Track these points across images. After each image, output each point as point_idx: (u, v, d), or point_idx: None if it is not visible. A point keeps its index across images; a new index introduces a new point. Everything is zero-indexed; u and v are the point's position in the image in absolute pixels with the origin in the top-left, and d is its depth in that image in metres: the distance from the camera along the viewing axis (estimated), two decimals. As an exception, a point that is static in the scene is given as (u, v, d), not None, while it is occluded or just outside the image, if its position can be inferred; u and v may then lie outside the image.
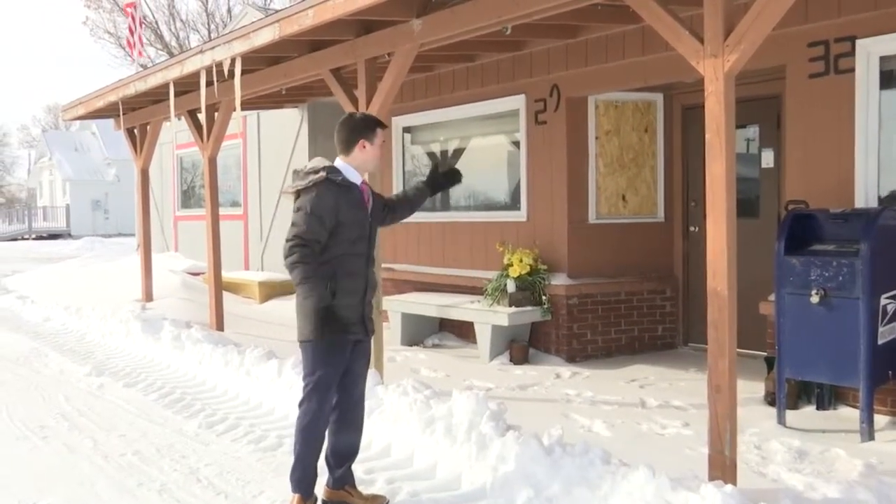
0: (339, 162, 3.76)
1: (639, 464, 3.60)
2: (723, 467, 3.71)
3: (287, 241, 3.58)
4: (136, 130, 10.81)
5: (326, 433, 3.76)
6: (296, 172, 3.76)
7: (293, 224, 3.60)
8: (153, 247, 11.38)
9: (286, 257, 3.59)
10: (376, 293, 3.94)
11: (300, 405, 3.69)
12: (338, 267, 3.62)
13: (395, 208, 4.06)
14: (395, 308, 8.09)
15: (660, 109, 7.50)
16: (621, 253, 7.36)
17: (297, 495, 3.69)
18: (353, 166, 3.76)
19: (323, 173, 3.62)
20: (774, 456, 4.43)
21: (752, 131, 6.99)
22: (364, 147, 3.75)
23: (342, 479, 3.85)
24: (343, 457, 3.83)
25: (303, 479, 3.69)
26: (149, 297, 10.42)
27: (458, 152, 8.78)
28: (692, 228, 7.48)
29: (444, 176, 4.16)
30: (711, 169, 3.77)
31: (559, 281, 7.12)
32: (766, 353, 5.74)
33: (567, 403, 5.67)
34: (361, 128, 3.78)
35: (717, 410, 3.74)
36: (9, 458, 4.79)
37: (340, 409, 3.78)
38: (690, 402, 5.56)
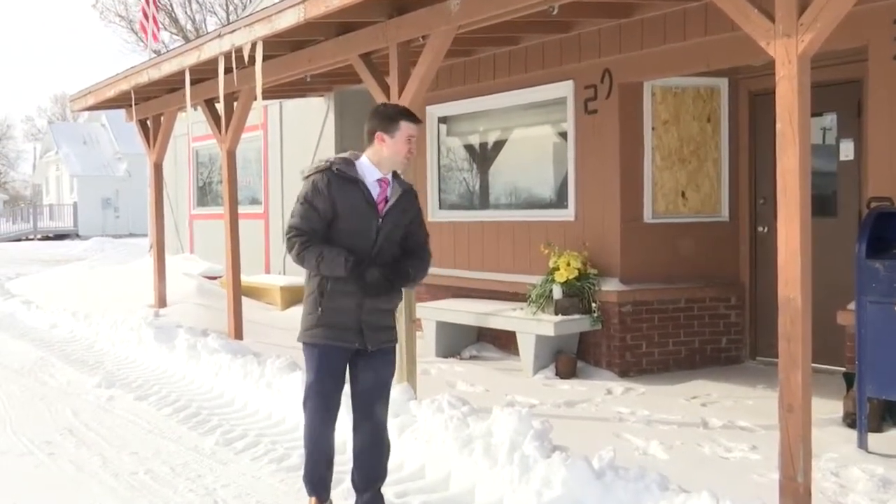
0: (363, 156, 3.85)
1: (701, 490, 3.57)
2: (795, 496, 3.66)
3: (286, 234, 3.78)
4: (149, 122, 10.99)
5: (351, 453, 3.93)
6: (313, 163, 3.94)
7: (291, 215, 3.81)
8: (167, 248, 11.55)
9: (289, 251, 3.77)
10: (395, 302, 3.90)
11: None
12: None
13: (406, 254, 3.92)
14: (429, 316, 8.11)
15: (724, 96, 7.43)
16: (680, 256, 7.29)
17: (312, 498, 3.91)
18: (373, 161, 3.82)
19: (327, 163, 3.78)
20: (855, 485, 4.36)
21: (829, 120, 6.90)
22: (382, 140, 3.79)
23: (375, 498, 3.91)
24: (367, 479, 3.89)
25: (315, 483, 3.90)
26: (162, 302, 10.58)
27: (499, 145, 8.79)
28: (761, 229, 7.40)
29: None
30: (783, 162, 3.72)
31: (611, 287, 7.08)
32: (844, 369, 5.65)
33: (620, 422, 5.64)
34: (381, 119, 3.83)
35: (790, 432, 3.69)
36: (13, 476, 4.89)
37: (359, 430, 3.90)
38: (758, 422, 5.49)
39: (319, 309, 3.74)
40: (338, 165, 3.77)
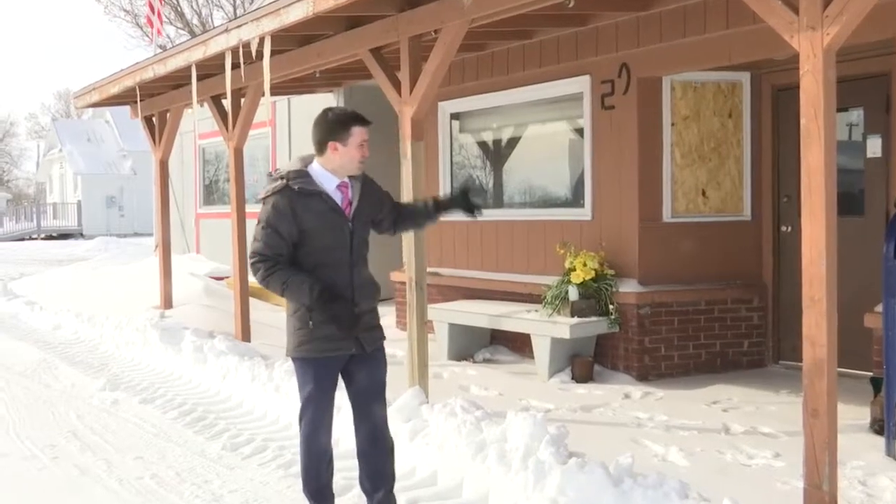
0: (315, 164, 3.85)
1: (722, 498, 3.56)
2: (820, 504, 3.64)
3: (249, 258, 3.79)
4: (154, 118, 11.03)
5: (357, 457, 3.98)
6: (269, 175, 3.90)
7: (254, 238, 3.79)
8: (173, 248, 11.59)
9: (255, 276, 3.80)
10: (376, 298, 3.97)
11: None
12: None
13: (402, 216, 4.14)
14: (441, 318, 8.11)
15: (746, 91, 7.39)
16: (701, 256, 7.27)
17: None
18: (328, 169, 3.83)
19: (282, 182, 3.76)
20: (883, 493, 4.33)
21: (856, 115, 6.86)
22: (336, 149, 3.80)
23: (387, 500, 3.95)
24: (374, 480, 3.94)
25: (318, 493, 3.92)
26: (168, 303, 10.63)
27: (513, 142, 8.78)
28: (784, 228, 7.37)
29: (463, 199, 4.14)
30: (807, 159, 3.70)
31: (629, 288, 7.06)
32: (871, 373, 5.62)
33: (638, 428, 5.63)
34: (331, 128, 3.81)
35: (814, 439, 3.67)
36: (15, 480, 4.93)
37: (360, 431, 3.95)
38: (782, 428, 5.47)
39: (311, 323, 3.74)
40: (295, 182, 3.75)
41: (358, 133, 3.81)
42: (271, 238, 3.73)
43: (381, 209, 4.03)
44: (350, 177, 3.89)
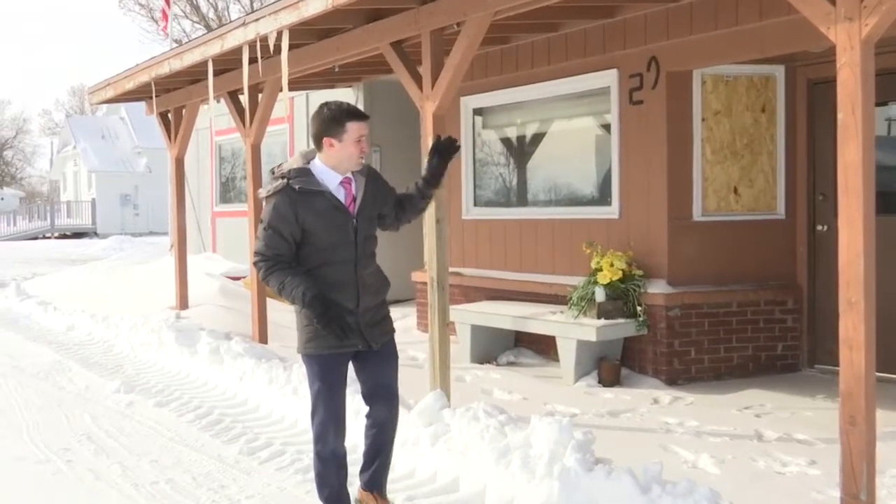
0: (317, 160, 3.91)
1: (755, 508, 3.54)
2: (858, 514, 3.61)
3: (252, 257, 3.94)
4: (170, 115, 11.11)
5: (362, 440, 4.18)
6: (271, 172, 3.95)
7: (257, 237, 3.90)
8: (188, 247, 11.68)
9: (258, 274, 3.94)
10: (384, 292, 4.07)
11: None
12: (318, 279, 3.80)
13: (402, 207, 4.17)
14: (463, 319, 8.12)
15: (780, 85, 7.35)
16: (733, 256, 7.23)
17: None
18: (329, 165, 3.88)
19: (283, 181, 3.81)
20: (922, 502, 4.29)
21: (895, 110, 6.79)
22: (332, 145, 3.84)
23: (370, 483, 4.14)
24: (370, 454, 4.13)
25: (332, 497, 4.02)
26: (184, 304, 10.70)
27: (538, 138, 8.77)
28: (820, 227, 7.32)
29: (440, 156, 4.12)
30: (844, 155, 3.67)
31: (657, 289, 7.04)
32: (911, 378, 5.56)
33: (667, 434, 5.61)
34: (326, 122, 3.85)
35: (852, 446, 3.64)
36: (30, 484, 4.98)
37: (369, 432, 4.13)
38: (817, 435, 5.44)
39: (315, 321, 3.81)
40: (296, 182, 3.80)
41: (354, 129, 3.84)
42: (272, 239, 3.80)
43: (385, 204, 4.07)
44: (354, 171, 3.92)
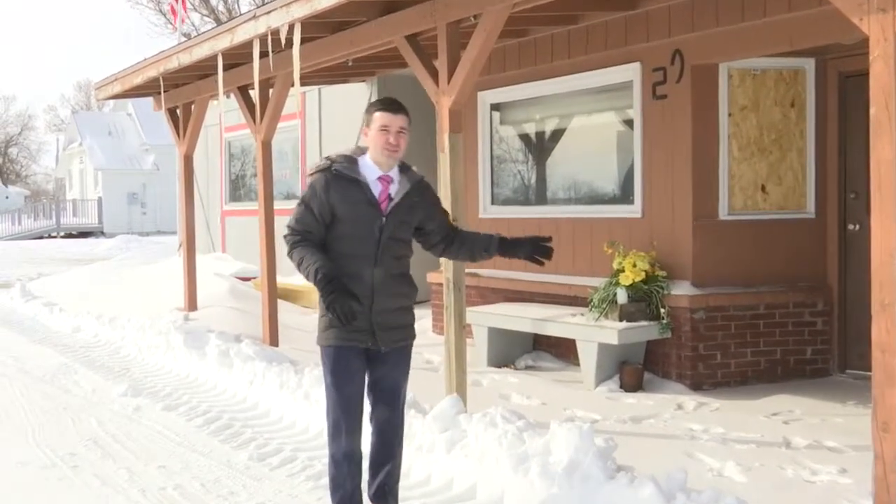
0: (366, 153, 4.11)
1: (783, 518, 3.52)
2: (891, 525, 3.59)
3: (284, 230, 4.10)
4: (178, 111, 11.17)
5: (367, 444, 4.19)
6: (326, 158, 4.18)
7: (292, 213, 4.11)
8: (197, 247, 11.73)
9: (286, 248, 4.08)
10: (405, 301, 4.15)
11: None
12: (338, 267, 3.92)
13: (459, 239, 4.30)
14: (480, 322, 8.12)
15: (810, 79, 7.32)
16: (760, 256, 7.20)
17: None
18: (372, 159, 4.06)
19: (328, 162, 4.03)
20: (958, 513, 4.25)
21: (930, 104, 6.74)
22: (365, 134, 4.08)
23: (377, 495, 4.15)
24: (374, 462, 4.16)
25: (341, 502, 4.07)
26: (192, 305, 10.75)
27: (558, 134, 8.76)
28: (851, 227, 7.28)
29: (532, 248, 4.30)
30: (877, 152, 3.65)
31: (682, 290, 7.02)
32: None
33: (691, 441, 5.59)
34: (365, 113, 4.13)
35: (885, 454, 3.62)
36: (35, 490, 5.02)
37: (372, 435, 4.17)
38: (848, 442, 5.41)
39: (338, 277, 3.93)
40: (338, 165, 3.99)
41: (379, 118, 4.00)
42: (303, 215, 3.99)
43: (429, 220, 4.14)
44: (404, 174, 4.04)
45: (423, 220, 4.13)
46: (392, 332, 4.03)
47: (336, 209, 3.93)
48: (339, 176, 3.95)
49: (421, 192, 4.08)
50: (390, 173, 4.02)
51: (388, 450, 4.15)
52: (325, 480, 4.88)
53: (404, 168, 4.08)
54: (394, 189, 4.00)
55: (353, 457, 4.04)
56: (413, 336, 4.17)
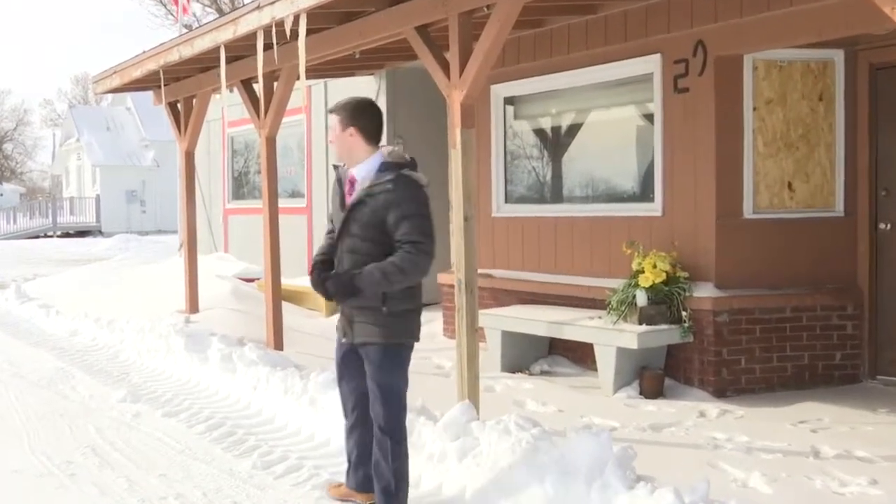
0: None
1: (811, 530, 3.51)
2: (924, 539, 3.57)
3: None
4: (179, 105, 11.21)
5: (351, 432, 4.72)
6: None
7: None
8: (199, 247, 11.77)
9: None
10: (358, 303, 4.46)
11: None
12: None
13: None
14: (493, 325, 8.12)
15: (840, 70, 7.30)
16: (787, 257, 7.19)
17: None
18: None
19: (341, 162, 4.63)
20: None
21: (966, 98, 6.72)
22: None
23: (354, 481, 4.69)
24: (358, 456, 4.65)
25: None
26: (194, 307, 10.79)
27: (574, 129, 8.75)
28: (882, 226, 7.26)
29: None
30: (910, 147, 3.63)
31: (704, 292, 7.01)
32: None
33: (714, 450, 5.58)
34: None
35: (917, 464, 3.60)
36: (30, 499, 5.04)
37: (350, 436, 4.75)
38: (879, 452, 5.39)
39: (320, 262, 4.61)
40: (337, 162, 4.62)
41: (331, 119, 4.57)
42: (330, 210, 4.65)
43: (385, 221, 4.30)
44: (380, 173, 4.36)
45: (384, 227, 4.31)
46: (358, 327, 4.41)
47: (331, 206, 4.63)
48: (337, 172, 4.60)
49: (372, 195, 4.31)
50: (357, 173, 4.44)
51: (374, 456, 4.45)
52: (325, 489, 4.94)
53: (383, 168, 4.36)
54: (357, 188, 4.41)
55: (349, 455, 4.70)
56: (380, 341, 4.35)
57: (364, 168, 4.41)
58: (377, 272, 4.25)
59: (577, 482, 4.24)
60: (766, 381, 7.12)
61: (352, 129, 4.42)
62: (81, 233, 41.81)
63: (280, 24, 6.95)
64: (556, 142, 8.98)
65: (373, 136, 4.46)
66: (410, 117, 11.36)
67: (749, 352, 7.07)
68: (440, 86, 6.30)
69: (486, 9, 5.92)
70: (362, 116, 4.45)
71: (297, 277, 12.36)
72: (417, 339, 4.50)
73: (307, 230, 13.11)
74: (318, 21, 7.20)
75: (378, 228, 4.29)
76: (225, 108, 13.17)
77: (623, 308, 7.17)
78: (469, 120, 6.04)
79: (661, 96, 7.48)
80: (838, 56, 7.28)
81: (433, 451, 5.09)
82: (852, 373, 7.32)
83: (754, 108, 7.16)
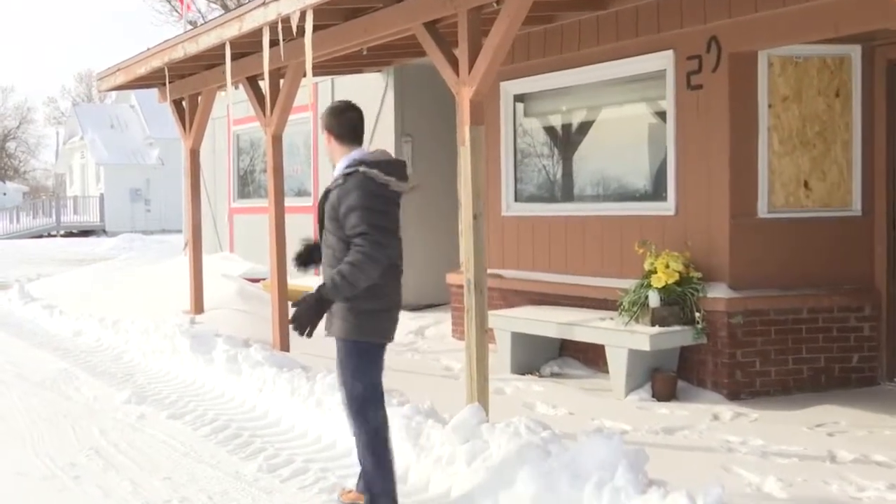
0: None
1: (827, 536, 3.50)
2: (944, 545, 3.56)
3: None
4: (184, 102, 11.23)
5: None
6: None
7: None
8: (204, 246, 11.79)
9: None
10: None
11: None
12: None
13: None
14: (502, 326, 8.12)
15: (857, 67, 7.28)
16: (803, 257, 7.17)
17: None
18: None
19: None
20: None
21: None
22: None
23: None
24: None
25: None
26: (199, 308, 10.80)
27: (585, 126, 8.75)
28: (900, 225, 7.24)
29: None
30: (930, 145, 3.62)
31: (718, 293, 6.99)
32: None
33: (728, 453, 5.58)
34: None
35: (937, 468, 3.58)
36: (33, 502, 5.06)
37: None
38: (897, 456, 5.38)
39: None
40: None
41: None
42: None
43: (339, 222, 4.50)
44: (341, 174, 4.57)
45: (333, 217, 4.53)
46: (333, 321, 4.55)
47: None
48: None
49: (331, 190, 4.57)
50: (335, 173, 4.61)
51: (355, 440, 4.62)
52: (337, 493, 4.94)
53: (350, 166, 4.54)
54: (331, 186, 4.58)
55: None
56: (341, 335, 4.52)
57: (337, 168, 4.64)
58: (336, 276, 4.40)
59: (589, 486, 4.24)
60: (781, 383, 7.11)
61: (327, 133, 4.72)
62: (85, 232, 41.94)
63: (286, 20, 6.96)
64: (566, 140, 8.97)
65: (345, 138, 4.67)
66: (419, 114, 11.37)
67: (764, 354, 7.06)
68: (449, 83, 6.29)
69: (495, 4, 5.92)
70: (333, 120, 4.71)
71: (304, 277, 12.38)
72: (388, 339, 4.63)
73: (313, 229, 13.07)
74: (325, 17, 7.20)
75: (337, 223, 4.51)
76: (230, 105, 13.20)
77: (635, 309, 7.16)
78: (478, 117, 6.04)
79: (674, 93, 7.47)
80: (855, 52, 7.26)
81: (442, 453, 5.09)
82: (869, 375, 7.30)
83: (769, 106, 7.14)
